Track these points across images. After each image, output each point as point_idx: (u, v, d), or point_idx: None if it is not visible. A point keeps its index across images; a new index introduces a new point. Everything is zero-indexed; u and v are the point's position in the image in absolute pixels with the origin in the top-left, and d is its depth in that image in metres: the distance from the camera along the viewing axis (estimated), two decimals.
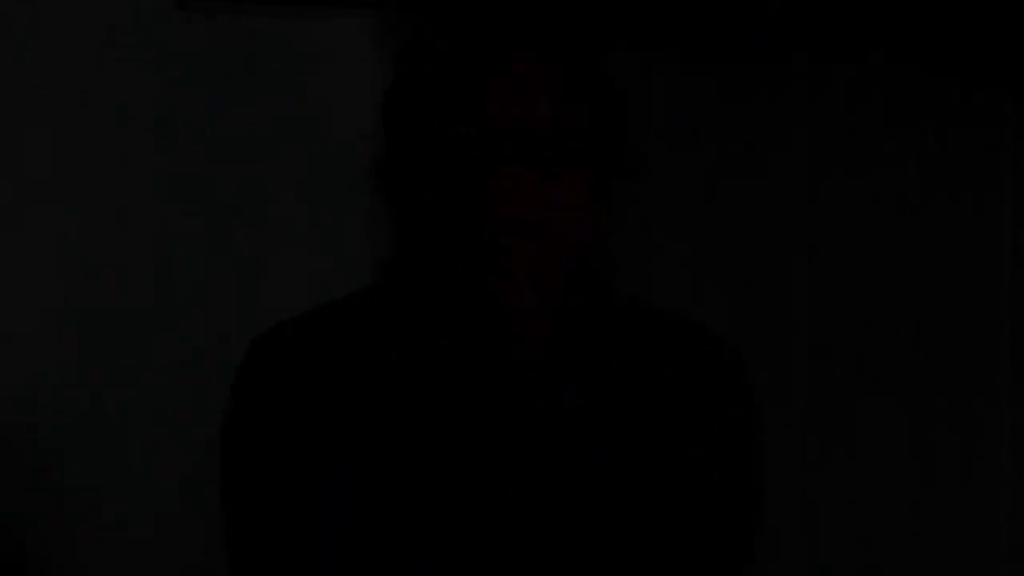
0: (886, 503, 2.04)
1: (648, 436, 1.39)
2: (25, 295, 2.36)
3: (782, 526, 2.12)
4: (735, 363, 1.46)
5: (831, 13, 2.05)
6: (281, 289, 2.57)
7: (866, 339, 2.05)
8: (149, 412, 2.46)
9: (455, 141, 1.28)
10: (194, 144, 2.50)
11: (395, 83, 1.35)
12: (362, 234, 2.44)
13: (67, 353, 2.40)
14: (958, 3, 1.91)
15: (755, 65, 2.15)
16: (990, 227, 1.91)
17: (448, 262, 1.30)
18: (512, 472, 1.35)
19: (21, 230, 2.35)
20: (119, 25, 2.41)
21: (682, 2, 2.20)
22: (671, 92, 2.26)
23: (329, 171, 2.54)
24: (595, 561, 1.35)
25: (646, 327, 1.45)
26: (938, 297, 1.97)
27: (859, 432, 2.06)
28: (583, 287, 1.39)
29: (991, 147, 1.90)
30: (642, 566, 1.37)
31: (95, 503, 2.45)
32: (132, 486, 2.46)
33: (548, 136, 1.29)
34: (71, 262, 2.39)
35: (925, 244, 1.98)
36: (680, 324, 1.47)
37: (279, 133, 2.57)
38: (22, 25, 2.33)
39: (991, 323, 1.92)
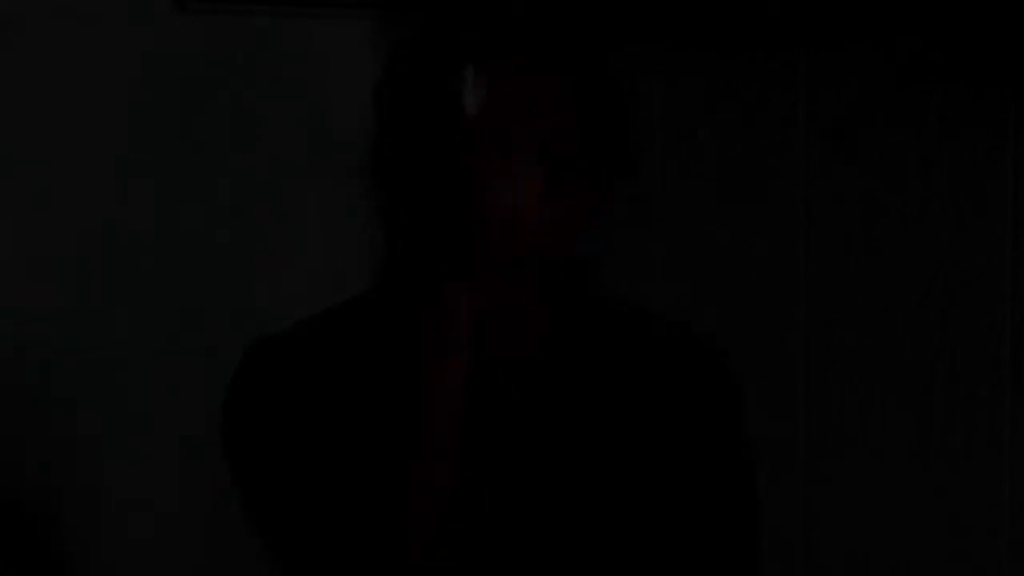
0: (886, 506, 2.04)
1: (632, 435, 1.39)
2: (25, 295, 2.36)
3: (782, 527, 2.12)
4: (715, 360, 1.45)
5: (832, 12, 2.04)
6: (279, 287, 2.57)
7: (867, 339, 2.05)
8: (149, 409, 2.47)
9: (445, 150, 1.28)
10: (194, 144, 2.50)
11: (384, 80, 1.34)
12: (361, 233, 2.44)
13: (68, 348, 2.41)
14: (961, 2, 1.91)
15: (755, 64, 2.15)
16: (992, 228, 1.91)
17: (436, 269, 1.30)
18: (503, 470, 1.35)
19: (22, 230, 2.36)
20: (119, 25, 2.41)
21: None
22: (669, 89, 2.26)
23: (328, 171, 2.54)
24: (588, 560, 1.35)
25: (628, 326, 1.44)
26: (939, 297, 1.97)
27: (859, 434, 2.06)
28: (573, 288, 1.39)
29: (994, 148, 1.90)
30: (636, 566, 1.37)
31: (95, 499, 2.45)
32: (133, 482, 2.46)
33: (548, 149, 1.28)
34: (70, 262, 2.39)
35: (926, 244, 1.98)
36: (657, 322, 1.46)
37: (279, 133, 2.57)
38: (23, 26, 2.33)
39: (992, 323, 1.92)
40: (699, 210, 2.24)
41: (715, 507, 1.41)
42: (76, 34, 2.38)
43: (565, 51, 1.33)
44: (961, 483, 1.96)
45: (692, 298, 2.25)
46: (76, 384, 2.41)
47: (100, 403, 2.43)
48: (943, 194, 1.96)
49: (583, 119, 1.32)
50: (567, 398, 1.38)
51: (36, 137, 2.36)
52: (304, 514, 1.34)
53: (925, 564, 2.00)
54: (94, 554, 2.45)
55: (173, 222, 2.48)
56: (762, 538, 1.46)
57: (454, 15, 1.34)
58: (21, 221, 2.36)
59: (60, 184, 2.38)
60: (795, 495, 2.12)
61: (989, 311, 1.92)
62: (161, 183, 2.47)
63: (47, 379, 2.39)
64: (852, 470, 2.07)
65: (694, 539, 1.39)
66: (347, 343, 1.39)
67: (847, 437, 2.07)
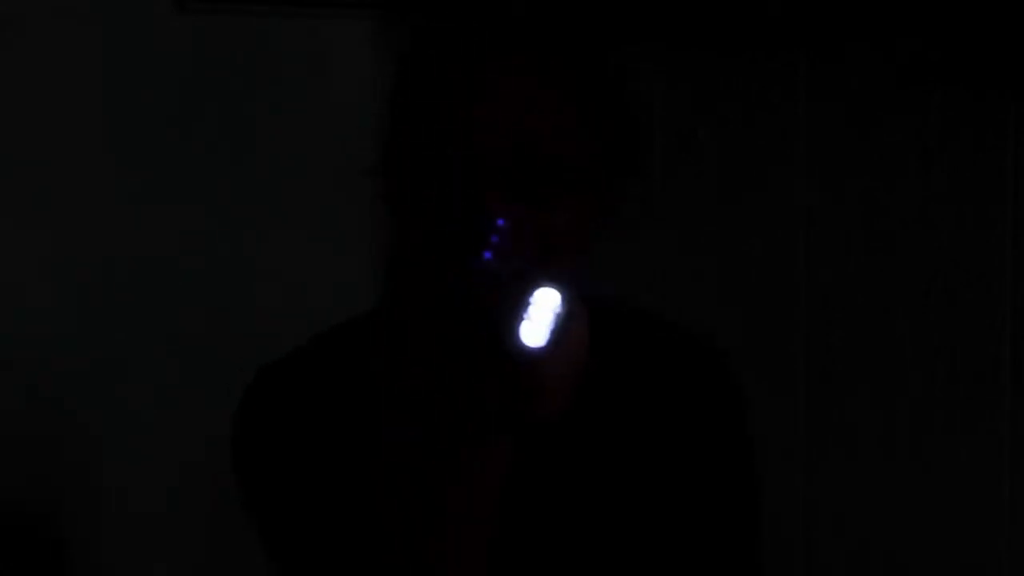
0: (886, 505, 2.04)
1: (633, 435, 1.38)
2: (25, 295, 2.36)
3: (782, 527, 2.12)
4: (716, 361, 1.45)
5: (832, 12, 2.04)
6: (279, 287, 2.57)
7: (867, 339, 2.05)
8: (149, 409, 2.47)
9: (445, 163, 1.27)
10: (194, 143, 2.50)
11: (395, 89, 1.34)
12: (362, 233, 2.45)
13: (68, 348, 2.41)
14: (961, 2, 1.91)
15: (755, 64, 2.15)
16: (992, 228, 1.91)
17: (441, 281, 1.29)
18: (514, 478, 1.35)
19: (22, 230, 2.36)
20: (119, 25, 2.41)
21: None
22: (669, 89, 2.26)
23: (329, 170, 2.54)
24: (591, 557, 1.35)
25: (628, 327, 1.44)
26: (939, 297, 1.97)
27: (859, 434, 2.06)
28: (577, 290, 1.39)
29: (994, 148, 1.90)
30: (642, 567, 1.37)
31: (95, 499, 2.46)
32: (133, 482, 2.46)
33: (547, 164, 1.27)
34: (69, 262, 2.39)
35: (926, 244, 1.98)
36: (657, 323, 1.46)
37: (279, 133, 2.57)
38: (23, 26, 2.33)
39: (992, 324, 1.92)
40: (699, 210, 2.24)
41: (717, 508, 1.41)
42: (76, 34, 2.38)
43: (565, 51, 1.32)
44: (961, 483, 1.96)
45: (692, 298, 2.25)
46: (76, 384, 2.41)
47: (100, 403, 2.43)
48: (943, 194, 1.96)
49: (583, 119, 1.31)
50: (580, 400, 1.38)
51: (36, 137, 2.36)
52: (321, 538, 1.33)
53: (925, 564, 2.00)
54: (94, 554, 2.45)
55: (173, 222, 2.48)
56: (763, 538, 1.46)
57: (454, 15, 1.34)
58: (21, 221, 2.35)
59: (60, 184, 2.38)
60: (795, 495, 2.12)
61: (989, 311, 1.92)
62: (161, 183, 2.47)
63: (47, 379, 2.39)
64: (852, 470, 2.07)
65: (696, 539, 1.39)
66: (361, 360, 1.38)
67: (847, 437, 2.07)
